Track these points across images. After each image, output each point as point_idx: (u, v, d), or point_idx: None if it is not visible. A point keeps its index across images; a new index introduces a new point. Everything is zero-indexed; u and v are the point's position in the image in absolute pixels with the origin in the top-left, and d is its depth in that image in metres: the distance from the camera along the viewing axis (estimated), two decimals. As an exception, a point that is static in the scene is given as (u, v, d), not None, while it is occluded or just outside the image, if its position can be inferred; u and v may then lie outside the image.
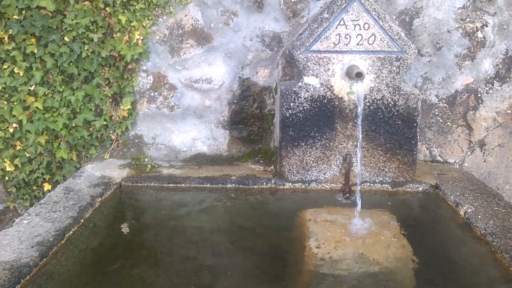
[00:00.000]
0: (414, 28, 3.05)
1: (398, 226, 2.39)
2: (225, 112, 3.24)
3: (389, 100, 2.78)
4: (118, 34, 3.00)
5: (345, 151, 2.84)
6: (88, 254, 2.11)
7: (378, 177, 2.87)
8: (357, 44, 2.73)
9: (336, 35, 2.73)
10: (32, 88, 3.03)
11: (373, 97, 2.78)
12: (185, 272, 2.00)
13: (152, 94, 3.19)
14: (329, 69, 2.76)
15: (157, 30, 3.08)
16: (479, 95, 3.15)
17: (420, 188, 2.82)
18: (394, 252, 2.14)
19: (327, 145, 2.83)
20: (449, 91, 3.15)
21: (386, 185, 2.84)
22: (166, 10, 3.04)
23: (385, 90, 2.77)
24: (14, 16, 2.88)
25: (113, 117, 3.17)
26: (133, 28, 3.01)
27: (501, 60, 3.10)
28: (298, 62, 2.77)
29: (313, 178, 2.87)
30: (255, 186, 2.85)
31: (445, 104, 3.17)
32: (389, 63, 2.75)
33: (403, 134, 2.81)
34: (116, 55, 3.05)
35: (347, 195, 2.77)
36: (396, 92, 2.77)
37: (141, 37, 3.03)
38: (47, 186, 3.22)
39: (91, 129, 3.17)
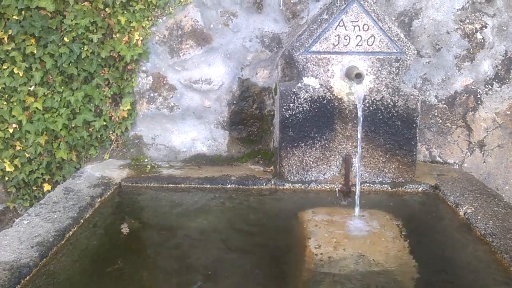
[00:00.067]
0: (414, 29, 3.06)
1: (397, 227, 2.39)
2: (225, 112, 3.24)
3: (389, 101, 2.78)
4: (117, 35, 3.01)
5: (344, 151, 2.85)
6: (88, 254, 2.11)
7: (378, 178, 2.87)
8: (357, 45, 2.73)
9: (336, 36, 2.73)
10: (31, 88, 3.03)
11: (372, 98, 2.78)
12: (185, 272, 2.00)
13: (152, 94, 3.19)
14: (328, 70, 2.76)
15: (156, 31, 3.08)
16: (479, 96, 3.15)
17: (420, 189, 2.82)
18: (394, 252, 2.14)
19: (326, 145, 2.84)
20: (448, 92, 3.16)
21: (385, 186, 2.84)
22: (166, 11, 3.04)
23: (385, 91, 2.78)
24: (14, 17, 2.88)
25: (112, 118, 3.17)
26: (132, 29, 3.01)
27: (500, 61, 3.11)
28: (297, 63, 2.77)
29: (312, 178, 2.87)
30: (254, 187, 2.85)
31: (444, 105, 3.18)
32: (388, 64, 2.75)
33: (403, 134, 2.81)
34: (116, 56, 3.05)
35: (347, 195, 2.77)
36: (396, 93, 2.77)
37: (141, 38, 3.03)
38: (46, 187, 3.22)
39: (90, 129, 3.17)
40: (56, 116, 3.08)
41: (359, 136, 2.69)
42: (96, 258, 2.10)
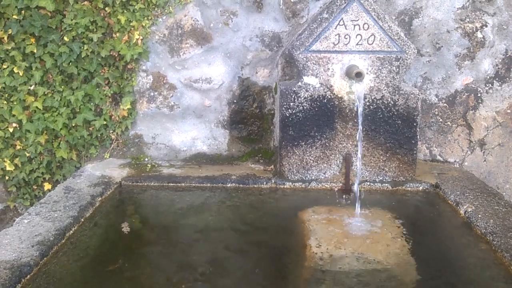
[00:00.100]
0: (414, 28, 3.06)
1: (398, 226, 2.39)
2: (225, 111, 3.24)
3: (389, 99, 2.78)
4: (117, 34, 3.00)
5: (345, 150, 2.85)
6: (89, 253, 2.11)
7: (378, 177, 2.87)
8: (357, 44, 2.73)
9: (336, 35, 2.73)
10: (31, 87, 3.03)
11: (372, 97, 2.78)
12: (186, 271, 2.00)
13: (152, 93, 3.19)
14: (328, 69, 2.76)
15: (156, 30, 3.08)
16: (479, 94, 3.15)
17: (420, 188, 2.82)
18: (394, 251, 2.14)
19: (327, 144, 2.84)
20: (449, 90, 3.16)
21: (386, 185, 2.84)
22: (166, 10, 3.04)
23: (385, 89, 2.78)
24: (14, 16, 2.88)
25: (113, 117, 3.17)
26: (132, 28, 3.01)
27: (500, 60, 3.11)
28: (297, 62, 2.77)
29: (313, 177, 2.87)
30: (255, 186, 2.85)
31: (445, 104, 3.17)
32: (388, 63, 2.75)
33: (403, 133, 2.81)
34: (116, 55, 3.05)
35: (347, 194, 2.77)
36: (396, 91, 2.77)
37: (141, 37, 3.03)
38: (47, 186, 3.22)
39: (91, 128, 3.17)
40: (56, 115, 3.08)
41: (359, 135, 2.69)
42: (96, 257, 2.10)
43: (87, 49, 2.99)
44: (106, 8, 2.96)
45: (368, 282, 1.92)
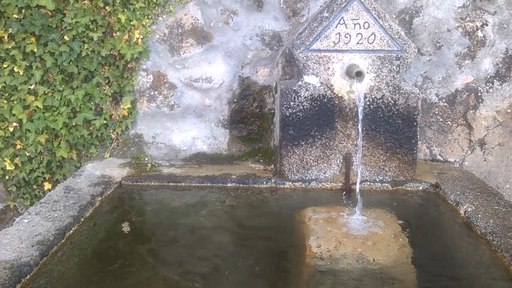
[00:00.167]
0: (414, 27, 3.05)
1: (398, 225, 2.39)
2: (225, 111, 3.24)
3: (389, 99, 2.78)
4: (118, 33, 3.00)
5: (345, 150, 2.85)
6: (89, 253, 2.11)
7: (378, 176, 2.87)
8: (357, 43, 2.73)
9: (336, 34, 2.73)
10: (32, 87, 3.03)
11: (373, 96, 2.78)
12: (186, 271, 2.00)
13: (152, 93, 3.19)
14: (329, 68, 2.76)
15: (157, 29, 3.08)
16: (479, 94, 3.15)
17: (420, 187, 2.82)
18: (394, 251, 2.14)
19: (327, 144, 2.83)
20: (449, 90, 3.15)
21: (386, 184, 2.84)
22: (166, 9, 3.03)
23: (385, 89, 2.77)
24: (14, 15, 2.88)
25: (113, 116, 3.17)
26: (132, 27, 3.01)
27: (501, 59, 3.10)
28: (298, 61, 2.76)
29: (313, 177, 2.87)
30: (255, 185, 2.85)
31: (445, 103, 3.17)
32: (389, 62, 2.75)
33: (403, 133, 2.81)
34: (116, 54, 3.05)
35: (347, 194, 2.77)
36: (396, 91, 2.77)
37: (141, 36, 3.03)
38: (47, 185, 3.22)
39: (91, 128, 3.17)
40: (57, 114, 3.08)
41: (359, 134, 2.69)
42: (96, 257, 2.10)
43: (87, 48, 2.99)
44: (107, 7, 2.96)
45: (368, 282, 1.92)
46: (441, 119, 3.19)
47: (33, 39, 2.95)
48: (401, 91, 2.77)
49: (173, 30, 3.08)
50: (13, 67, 2.97)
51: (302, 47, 2.73)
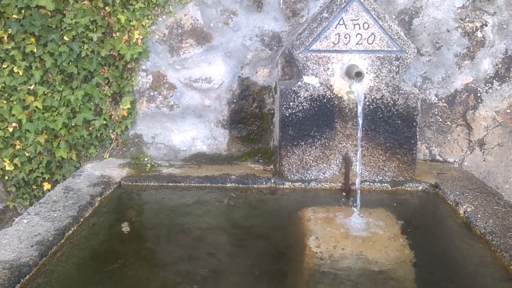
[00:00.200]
0: (414, 28, 3.05)
1: (397, 225, 2.39)
2: (225, 111, 3.24)
3: (389, 99, 2.78)
4: (117, 34, 3.00)
5: (344, 150, 2.85)
6: (88, 254, 2.11)
7: (378, 176, 2.87)
8: (357, 44, 2.73)
9: (336, 34, 2.73)
10: (31, 87, 3.03)
11: (372, 97, 2.78)
12: (185, 271, 2.00)
13: (152, 93, 3.19)
14: (328, 68, 2.76)
15: (156, 29, 3.08)
16: (479, 94, 3.15)
17: (420, 187, 2.82)
18: (394, 251, 2.14)
19: (326, 144, 2.84)
20: (448, 90, 3.16)
21: (385, 184, 2.84)
22: (166, 10, 3.03)
23: (385, 89, 2.77)
24: (14, 15, 2.87)
25: (112, 117, 3.17)
26: (132, 28, 3.01)
27: (500, 60, 3.10)
28: (297, 62, 2.77)
29: (312, 177, 2.87)
30: (254, 186, 2.85)
31: (444, 104, 3.17)
32: (388, 62, 2.75)
33: (403, 133, 2.81)
34: (116, 55, 3.05)
35: (347, 194, 2.77)
36: (396, 91, 2.77)
37: (141, 37, 3.03)
38: (46, 186, 3.22)
39: (90, 128, 3.17)
40: (56, 115, 3.08)
41: (359, 134, 2.69)
42: (96, 257, 2.10)
43: (87, 48, 2.99)
44: (106, 8, 2.96)
45: (368, 282, 1.92)
46: (440, 120, 3.19)
47: (32, 39, 2.95)
48: (400, 91, 2.77)
49: (172, 31, 3.08)
50: (13, 68, 2.97)
51: (302, 47, 2.73)
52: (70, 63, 3.02)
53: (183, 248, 2.19)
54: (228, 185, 2.86)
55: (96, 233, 2.30)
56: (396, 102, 2.78)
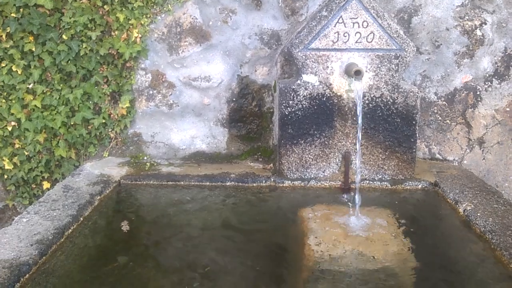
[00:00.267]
0: (413, 26, 3.05)
1: (397, 224, 2.39)
2: (224, 110, 3.23)
3: (388, 98, 2.78)
4: (116, 32, 3.00)
5: (344, 149, 2.85)
6: (88, 252, 2.11)
7: (377, 175, 2.87)
8: (356, 42, 2.73)
9: (335, 33, 2.73)
10: (30, 86, 3.03)
11: (372, 95, 2.78)
12: (185, 270, 2.00)
13: (151, 92, 3.19)
14: (328, 67, 2.75)
15: (155, 28, 3.07)
16: (478, 93, 3.15)
17: (420, 186, 2.82)
18: (393, 249, 2.15)
19: (326, 143, 2.83)
20: (448, 89, 3.16)
21: (385, 183, 2.84)
22: (164, 8, 3.03)
23: (384, 88, 2.77)
24: (12, 14, 2.87)
25: (111, 115, 3.16)
26: (131, 26, 3.00)
27: (500, 58, 3.10)
28: (297, 60, 2.76)
29: (312, 176, 2.87)
30: (254, 184, 2.85)
31: (444, 102, 3.17)
32: (388, 61, 2.75)
33: (402, 131, 2.81)
34: (115, 53, 3.04)
35: (347, 192, 2.77)
36: (395, 90, 2.77)
37: (140, 35, 3.02)
38: (46, 184, 3.22)
39: (89, 127, 3.16)
40: (55, 114, 3.08)
41: (358, 133, 2.69)
42: (95, 256, 2.10)
43: (85, 47, 2.99)
44: (105, 6, 2.95)
45: (367, 281, 1.92)
46: (440, 118, 3.19)
47: (31, 38, 2.94)
48: (400, 90, 2.77)
49: (171, 29, 3.08)
50: (12, 66, 2.97)
51: (301, 46, 2.73)
52: (69, 61, 3.02)
53: (182, 247, 2.19)
54: (228, 183, 2.86)
55: (96, 232, 2.30)
56: (396, 101, 2.78)
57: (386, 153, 2.84)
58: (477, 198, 2.53)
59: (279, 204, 2.67)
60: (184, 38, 3.08)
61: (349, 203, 2.61)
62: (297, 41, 2.73)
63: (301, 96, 2.77)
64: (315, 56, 2.74)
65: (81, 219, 2.35)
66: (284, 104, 2.78)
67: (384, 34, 2.71)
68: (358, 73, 2.61)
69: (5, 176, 3.20)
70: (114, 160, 3.18)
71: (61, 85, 3.05)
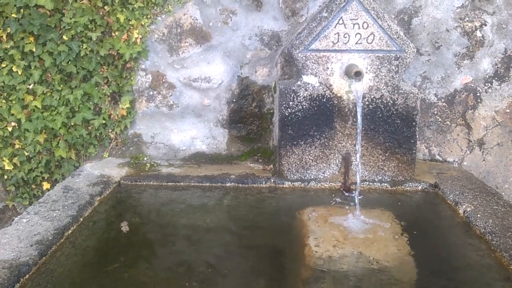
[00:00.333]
0: (413, 27, 3.05)
1: (397, 225, 2.39)
2: (224, 111, 3.23)
3: (388, 99, 2.78)
4: (116, 33, 3.00)
5: (344, 150, 2.85)
6: (88, 253, 2.11)
7: (377, 176, 2.87)
8: (356, 43, 2.73)
9: (335, 34, 2.73)
10: (30, 86, 3.03)
11: (372, 96, 2.78)
12: (185, 271, 2.00)
13: (151, 93, 3.19)
14: (328, 68, 2.76)
15: (155, 29, 3.08)
16: (478, 94, 3.15)
17: (419, 187, 2.82)
18: (393, 251, 2.14)
19: (326, 144, 2.83)
20: (448, 90, 3.16)
21: (385, 184, 2.84)
22: (165, 9, 3.03)
23: (384, 89, 2.77)
24: (13, 15, 2.87)
25: (112, 116, 3.16)
26: (131, 27, 3.00)
27: (500, 59, 3.10)
28: (297, 61, 2.76)
29: (312, 177, 2.87)
30: (254, 185, 2.85)
31: (444, 103, 3.17)
32: (388, 62, 2.75)
33: (402, 133, 2.81)
34: (115, 54, 3.05)
35: (346, 194, 2.77)
36: (395, 91, 2.77)
37: (140, 36, 3.03)
38: (46, 185, 3.22)
39: (90, 128, 3.16)
40: (55, 114, 3.08)
41: (358, 134, 2.69)
42: (95, 256, 2.10)
43: (86, 48, 2.99)
44: (105, 7, 2.95)
45: (367, 281, 1.92)
46: (440, 119, 3.19)
47: (31, 38, 2.94)
48: (400, 91, 2.77)
49: (172, 30, 3.08)
50: (12, 67, 2.97)
51: (301, 47, 2.73)
52: (69, 62, 3.02)
53: (182, 248, 2.19)
54: (228, 184, 2.86)
55: (96, 233, 2.30)
56: (396, 102, 2.78)
57: (386, 154, 2.84)
58: (477, 200, 2.53)
59: (279, 205, 2.67)
60: (184, 39, 3.08)
61: (349, 204, 2.61)
62: (297, 42, 2.73)
63: (301, 97, 2.77)
64: (315, 57, 2.74)
65: (81, 219, 2.35)
66: (284, 105, 2.78)
67: (384, 35, 2.71)
68: (358, 74, 2.61)
69: (5, 177, 3.20)
70: (114, 160, 3.18)
71: (61, 85, 3.06)
